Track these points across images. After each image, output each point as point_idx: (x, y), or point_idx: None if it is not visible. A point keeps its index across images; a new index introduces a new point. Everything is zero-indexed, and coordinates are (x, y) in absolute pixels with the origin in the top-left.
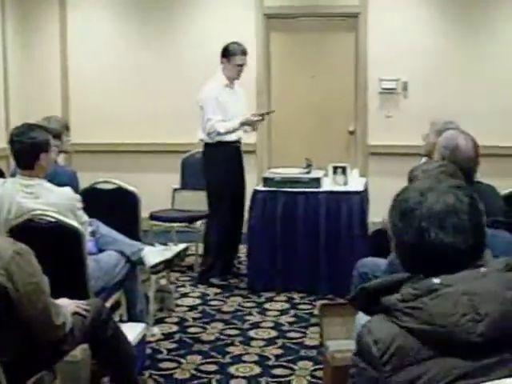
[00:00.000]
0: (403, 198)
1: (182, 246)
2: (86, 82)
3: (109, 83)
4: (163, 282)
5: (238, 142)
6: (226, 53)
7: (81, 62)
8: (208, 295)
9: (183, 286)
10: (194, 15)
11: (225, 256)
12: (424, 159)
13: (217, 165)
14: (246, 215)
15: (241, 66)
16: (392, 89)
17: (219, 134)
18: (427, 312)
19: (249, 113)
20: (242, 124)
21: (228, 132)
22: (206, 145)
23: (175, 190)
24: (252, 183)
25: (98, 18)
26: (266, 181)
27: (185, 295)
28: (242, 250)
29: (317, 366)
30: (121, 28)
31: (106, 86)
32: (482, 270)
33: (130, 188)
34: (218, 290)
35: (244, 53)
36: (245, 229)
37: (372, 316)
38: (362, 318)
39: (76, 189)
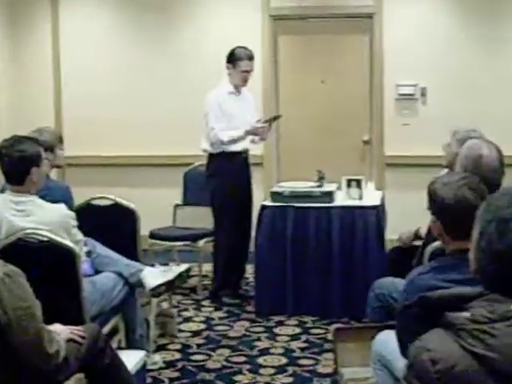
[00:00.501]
0: (500, 205)
1: (184, 266)
2: (81, 89)
3: (105, 91)
4: (164, 305)
5: (244, 152)
6: (232, 58)
7: (75, 69)
8: (213, 319)
9: (186, 309)
10: (194, 17)
11: (231, 276)
12: (445, 171)
13: (222, 177)
14: (253, 232)
15: (247, 72)
16: (410, 95)
17: (223, 143)
18: (500, 340)
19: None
20: (248, 133)
21: (232, 141)
22: (210, 156)
23: (177, 205)
24: (259, 198)
25: (93, 22)
26: (275, 195)
27: (188, 320)
28: (249, 270)
29: None
30: (118, 32)
31: (102, 94)
32: None
33: (128, 204)
34: (224, 314)
35: (250, 58)
36: (252, 247)
37: (426, 328)
38: (381, 341)
39: (70, 205)
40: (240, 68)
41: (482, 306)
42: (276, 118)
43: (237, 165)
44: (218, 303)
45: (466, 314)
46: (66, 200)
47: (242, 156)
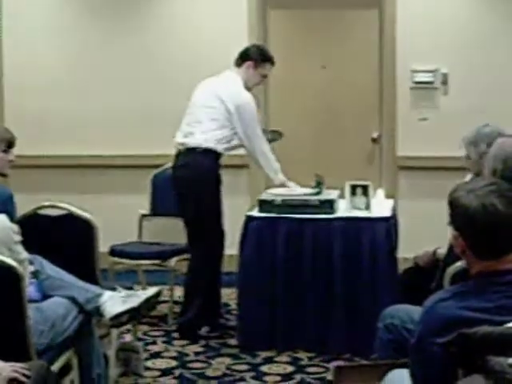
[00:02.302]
0: None
1: (152, 290)
2: (28, 80)
3: (55, 81)
4: (128, 337)
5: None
6: (256, 56)
7: (19, 56)
8: (187, 355)
9: (154, 343)
10: None
11: (208, 302)
12: (470, 175)
13: (211, 179)
14: (233, 250)
15: (265, 77)
16: (428, 82)
17: (266, 163)
18: None
19: None
20: (280, 185)
21: (268, 167)
22: (190, 151)
23: (143, 216)
24: (244, 207)
25: (40, 2)
26: (263, 204)
27: (156, 355)
28: (232, 295)
29: None
30: (71, 14)
31: (52, 84)
32: None
33: (84, 214)
34: (200, 349)
35: (274, 63)
36: (233, 267)
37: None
38: (392, 383)
39: (12, 216)
40: (263, 70)
41: None
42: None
43: (217, 167)
44: (191, 339)
45: (510, 361)
46: (7, 209)
47: (216, 156)
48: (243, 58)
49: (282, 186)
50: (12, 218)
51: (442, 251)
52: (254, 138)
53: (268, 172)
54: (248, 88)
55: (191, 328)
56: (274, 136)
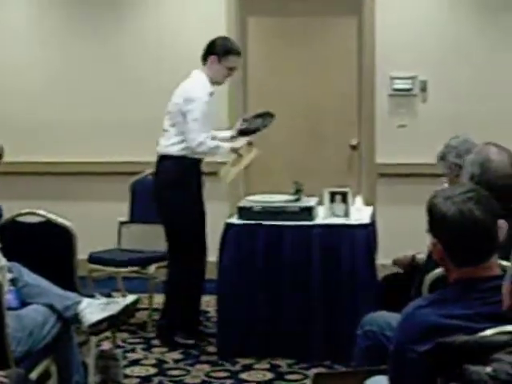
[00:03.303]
0: None
1: (131, 297)
2: (10, 89)
3: (34, 87)
4: (107, 345)
5: (202, 159)
6: (218, 49)
7: (3, 66)
8: (166, 362)
9: (133, 350)
10: (146, 1)
11: (188, 309)
12: (446, 183)
13: (179, 185)
14: (213, 256)
15: (233, 69)
16: (407, 90)
17: (208, 149)
18: None
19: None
20: (233, 151)
21: (215, 152)
22: (171, 159)
23: (122, 223)
24: (223, 214)
25: (22, 6)
26: (243, 211)
27: (135, 362)
28: (211, 302)
29: None
30: (51, 19)
31: (29, 90)
32: None
33: (63, 221)
34: (179, 356)
35: (240, 53)
36: (213, 274)
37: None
38: None
39: None
40: (228, 63)
41: (508, 362)
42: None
43: (194, 171)
44: (169, 343)
45: (488, 370)
46: None
47: (197, 161)
48: (207, 53)
49: (236, 150)
50: None
51: (422, 256)
52: (191, 131)
53: (218, 158)
54: (217, 83)
55: (166, 333)
56: (265, 122)
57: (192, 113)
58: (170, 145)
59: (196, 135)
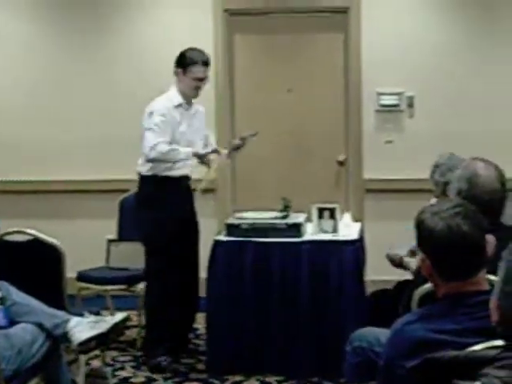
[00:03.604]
0: None
1: (120, 315)
2: None
3: (20, 105)
4: (96, 363)
5: (186, 177)
6: (182, 61)
7: None
8: (156, 380)
9: (122, 368)
10: (130, 16)
11: (175, 328)
12: (434, 199)
13: (155, 207)
14: (203, 273)
15: (200, 80)
16: (394, 105)
17: (159, 157)
18: None
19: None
20: (196, 155)
21: (172, 156)
22: (143, 178)
23: (110, 241)
24: (211, 231)
25: (8, 23)
26: (230, 228)
27: (125, 381)
28: (199, 319)
29: None
30: (39, 36)
31: (23, 112)
32: None
33: (51, 240)
34: (169, 374)
35: (205, 63)
36: (202, 291)
37: None
38: None
39: None
40: (192, 74)
41: (496, 377)
42: (240, 144)
43: (174, 191)
44: (154, 369)
45: None
46: None
47: (183, 183)
48: (175, 66)
49: (199, 158)
50: None
51: (410, 263)
52: (144, 140)
53: (182, 154)
54: (188, 95)
55: (149, 349)
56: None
57: (147, 124)
58: (140, 164)
59: (147, 142)
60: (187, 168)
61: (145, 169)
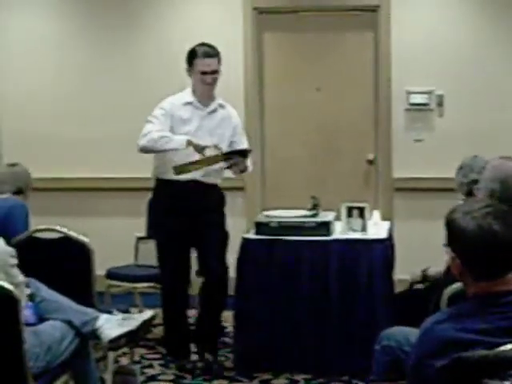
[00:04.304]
0: None
1: (148, 313)
2: (23, 101)
3: (51, 103)
4: (124, 360)
5: (194, 182)
6: (188, 56)
7: (16, 78)
8: (184, 378)
9: (151, 366)
10: (160, 12)
11: (176, 328)
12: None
13: (152, 206)
14: (232, 272)
15: (205, 73)
16: (423, 104)
17: (152, 142)
18: None
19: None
20: (191, 144)
21: (163, 143)
22: (156, 180)
23: (139, 239)
24: (240, 230)
25: (38, 23)
26: (260, 227)
27: (153, 378)
28: (228, 317)
29: None
30: (69, 33)
31: (52, 110)
32: None
33: (81, 237)
34: (197, 371)
35: (208, 55)
36: (231, 290)
37: None
38: None
39: (21, 225)
40: (196, 67)
41: None
42: (235, 157)
43: (167, 195)
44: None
45: None
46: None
47: (189, 187)
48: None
49: (195, 147)
50: (16, 228)
51: (433, 270)
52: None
53: (173, 142)
54: (199, 93)
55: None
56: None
57: (148, 117)
58: (153, 166)
59: (141, 132)
60: (194, 171)
61: (152, 172)
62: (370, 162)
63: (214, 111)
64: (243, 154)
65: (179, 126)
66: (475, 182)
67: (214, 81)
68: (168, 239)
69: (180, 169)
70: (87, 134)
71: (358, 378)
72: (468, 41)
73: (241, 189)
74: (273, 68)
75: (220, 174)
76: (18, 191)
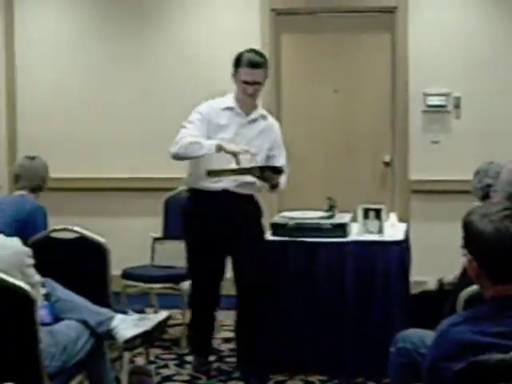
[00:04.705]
0: None
1: (163, 314)
2: (39, 101)
3: (68, 103)
4: (140, 361)
5: (225, 191)
6: (234, 62)
7: (32, 79)
8: (199, 378)
9: (166, 366)
10: (179, 15)
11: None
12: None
13: (182, 220)
14: None
15: (247, 83)
16: (441, 106)
17: (183, 148)
18: None
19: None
20: (221, 149)
21: (194, 150)
22: (188, 191)
23: (155, 239)
24: None
25: (56, 23)
26: (276, 228)
27: (168, 378)
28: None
29: None
30: (86, 33)
31: (68, 111)
32: None
33: (97, 237)
34: (212, 372)
35: (253, 65)
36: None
37: None
38: None
39: (40, 227)
40: (240, 76)
41: None
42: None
43: (195, 205)
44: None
45: None
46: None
47: (219, 194)
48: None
49: (226, 151)
50: (35, 231)
51: (449, 279)
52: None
53: (207, 147)
54: (241, 100)
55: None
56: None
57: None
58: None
59: (175, 139)
60: (227, 182)
61: (185, 181)
62: (387, 164)
63: (254, 121)
64: (276, 170)
65: (216, 131)
66: (489, 186)
67: (256, 92)
68: (197, 245)
69: (212, 173)
70: (104, 134)
71: (374, 380)
72: (485, 43)
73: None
74: (290, 69)
75: (254, 186)
76: (36, 188)
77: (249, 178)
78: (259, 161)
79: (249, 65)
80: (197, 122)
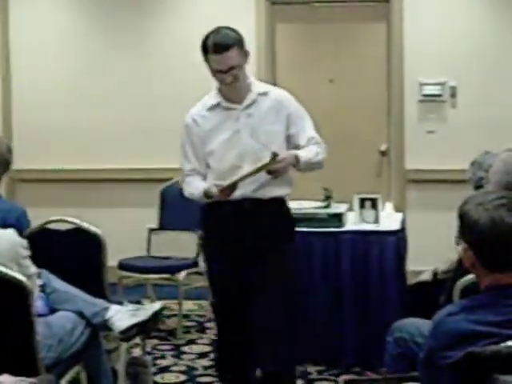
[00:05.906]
0: None
1: (157, 305)
2: (34, 93)
3: (63, 94)
4: (136, 351)
5: (241, 201)
6: (202, 48)
7: (28, 69)
8: (196, 369)
9: (163, 357)
10: (176, 3)
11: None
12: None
13: (201, 227)
14: None
15: (221, 72)
16: (436, 95)
17: (191, 196)
18: None
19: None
20: (206, 195)
21: (197, 199)
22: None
23: (151, 230)
24: None
25: (50, 16)
26: None
27: (165, 369)
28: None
29: None
30: (80, 25)
31: (59, 98)
32: None
33: (93, 228)
34: (209, 363)
35: (221, 49)
36: None
37: None
38: None
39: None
40: (211, 65)
41: None
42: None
43: (208, 215)
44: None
45: None
46: (22, 226)
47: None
48: None
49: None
50: (21, 233)
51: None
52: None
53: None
54: (223, 90)
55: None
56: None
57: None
58: None
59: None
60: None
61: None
62: (383, 153)
63: (250, 105)
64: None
65: (209, 139)
66: (482, 179)
67: (236, 77)
68: (220, 277)
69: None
70: (98, 125)
71: (370, 370)
72: (481, 32)
73: None
74: (285, 59)
75: (280, 181)
76: None
77: (262, 178)
78: (278, 150)
79: (216, 50)
80: (187, 152)
